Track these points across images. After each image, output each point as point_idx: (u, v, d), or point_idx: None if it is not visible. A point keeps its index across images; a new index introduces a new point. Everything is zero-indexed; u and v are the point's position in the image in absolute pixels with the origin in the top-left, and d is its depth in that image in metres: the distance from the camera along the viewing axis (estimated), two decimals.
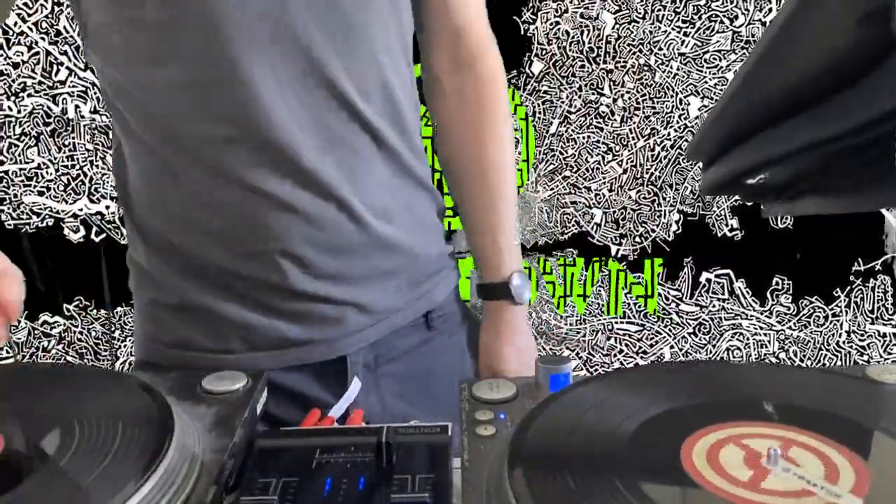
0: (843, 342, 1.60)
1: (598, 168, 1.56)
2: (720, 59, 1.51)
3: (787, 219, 1.52)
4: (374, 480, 0.36)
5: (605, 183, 1.57)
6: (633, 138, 1.53)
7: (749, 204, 1.54)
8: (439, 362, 0.63)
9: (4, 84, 1.54)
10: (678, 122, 1.52)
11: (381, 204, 0.57)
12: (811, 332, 1.59)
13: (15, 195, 1.61)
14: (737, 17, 1.50)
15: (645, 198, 1.57)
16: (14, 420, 0.38)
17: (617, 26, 1.53)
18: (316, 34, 0.51)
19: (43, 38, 1.49)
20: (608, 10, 1.53)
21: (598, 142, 1.55)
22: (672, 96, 1.50)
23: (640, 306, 1.57)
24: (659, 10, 1.53)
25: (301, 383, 0.56)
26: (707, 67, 1.51)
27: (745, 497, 0.33)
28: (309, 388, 0.56)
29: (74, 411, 0.38)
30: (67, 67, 1.49)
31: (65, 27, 1.48)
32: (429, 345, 0.63)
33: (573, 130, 1.55)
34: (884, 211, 1.47)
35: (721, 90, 1.55)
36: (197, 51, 0.50)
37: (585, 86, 1.56)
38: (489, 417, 0.39)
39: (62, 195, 1.66)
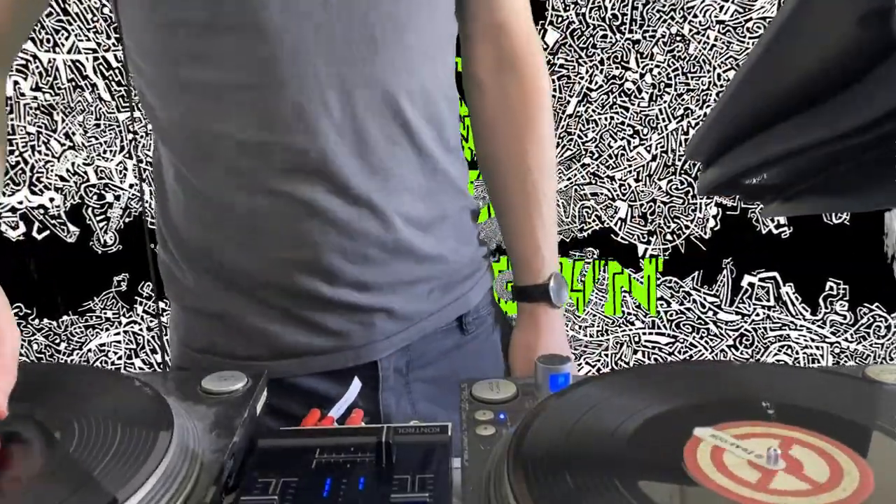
0: None
1: (622, 154, 1.64)
2: (764, 28, 1.59)
3: (842, 214, 1.60)
4: (374, 480, 0.44)
5: (630, 172, 1.65)
6: (664, 120, 1.61)
7: None
8: (474, 366, 0.74)
9: None
10: (716, 101, 1.59)
11: (415, 212, 0.67)
12: (871, 345, 1.67)
13: None
14: None
15: (677, 189, 1.65)
16: (14, 420, 0.46)
17: None
18: (355, 34, 0.60)
19: None
20: None
21: (622, 124, 1.63)
22: (709, 71, 1.58)
23: (671, 314, 1.65)
24: None
25: (331, 388, 0.66)
26: (749, 38, 1.59)
27: (750, 497, 0.41)
28: (339, 392, 0.65)
29: (74, 411, 0.46)
30: None
31: None
32: (463, 349, 0.74)
33: (594, 111, 1.63)
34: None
35: None
36: (239, 53, 0.59)
37: (608, 59, 1.64)
38: (489, 417, 0.47)
39: None
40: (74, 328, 1.70)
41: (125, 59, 0.68)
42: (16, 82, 1.61)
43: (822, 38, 0.41)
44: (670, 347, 1.68)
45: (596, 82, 1.64)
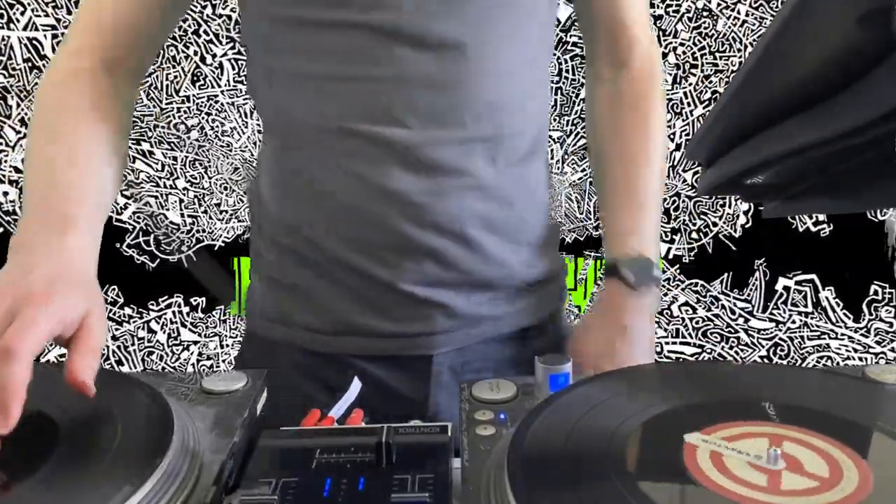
0: None
1: None
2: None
3: (887, 210, 1.66)
4: (374, 480, 0.52)
5: None
6: (689, 104, 1.68)
7: None
8: None
9: None
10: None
11: (486, 211, 0.80)
12: None
13: None
14: None
15: None
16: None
17: None
18: (449, 35, 0.75)
19: None
20: None
21: None
22: (739, 49, 1.65)
23: (697, 321, 1.73)
24: None
25: (387, 375, 0.82)
26: None
27: (748, 496, 0.48)
28: (395, 380, 0.81)
29: (75, 411, 0.54)
30: None
31: None
32: (522, 362, 0.84)
33: None
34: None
35: None
36: (342, 48, 0.75)
37: None
38: (489, 417, 0.55)
39: None
40: None
41: (244, 44, 0.86)
42: None
43: (822, 38, 0.49)
44: (696, 358, 1.75)
45: None
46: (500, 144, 0.80)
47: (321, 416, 0.58)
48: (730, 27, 1.67)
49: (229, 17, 1.67)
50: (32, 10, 1.66)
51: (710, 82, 1.68)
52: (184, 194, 1.73)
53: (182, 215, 1.74)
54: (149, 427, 0.53)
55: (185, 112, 1.70)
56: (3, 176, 1.73)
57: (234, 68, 1.69)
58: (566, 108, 1.70)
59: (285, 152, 0.82)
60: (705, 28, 1.67)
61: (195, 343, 1.78)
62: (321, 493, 0.52)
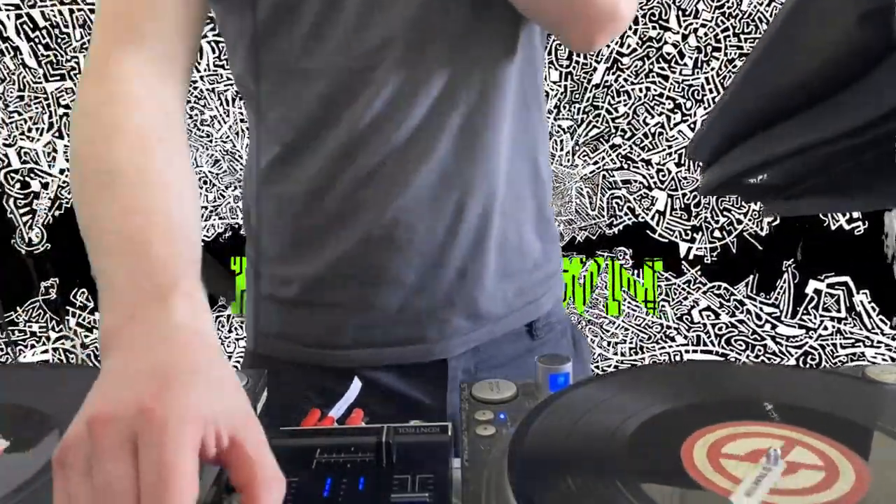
0: None
1: (661, 133, 1.77)
2: None
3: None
4: (374, 480, 0.59)
5: (670, 154, 1.78)
6: (711, 90, 1.74)
7: None
8: None
9: None
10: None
11: (502, 199, 0.87)
12: None
13: None
14: None
15: None
16: (14, 420, 0.61)
17: None
18: (454, 33, 0.82)
19: None
20: None
21: (661, 96, 1.76)
22: (765, 31, 1.70)
23: (720, 327, 1.79)
24: None
25: (401, 383, 0.87)
26: None
27: None
28: (408, 388, 0.88)
29: (75, 411, 0.61)
30: None
31: None
32: (533, 353, 0.93)
33: (626, 80, 1.76)
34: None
35: None
36: (352, 41, 0.80)
37: (643, 17, 1.77)
38: (489, 417, 0.63)
39: None
40: None
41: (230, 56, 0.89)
42: None
43: (823, 37, 0.56)
44: None
45: (628, 45, 1.76)
46: (509, 117, 0.86)
47: (321, 416, 0.66)
48: (755, 7, 1.72)
49: None
50: None
51: (735, 66, 1.73)
52: None
53: None
54: None
55: None
56: None
57: (213, 51, 1.74)
58: (577, 96, 1.75)
59: (302, 160, 0.85)
60: (729, 7, 1.72)
61: None
62: (321, 493, 0.59)
